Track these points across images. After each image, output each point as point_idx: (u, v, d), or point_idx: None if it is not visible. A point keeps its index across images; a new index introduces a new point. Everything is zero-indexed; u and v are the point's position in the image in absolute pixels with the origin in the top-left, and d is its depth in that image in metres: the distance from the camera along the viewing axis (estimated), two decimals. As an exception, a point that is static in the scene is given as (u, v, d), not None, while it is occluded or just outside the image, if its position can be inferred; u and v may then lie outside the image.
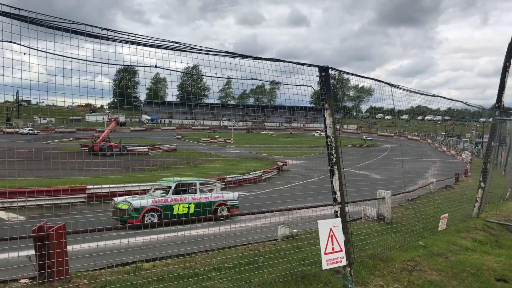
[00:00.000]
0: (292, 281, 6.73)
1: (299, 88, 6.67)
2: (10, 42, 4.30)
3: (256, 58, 6.02)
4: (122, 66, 5.44)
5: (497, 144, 17.21)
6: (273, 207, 10.34)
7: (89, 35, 4.72)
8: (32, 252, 5.86)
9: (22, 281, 6.07)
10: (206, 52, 5.54)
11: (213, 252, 7.80)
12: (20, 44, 4.35)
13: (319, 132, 78.02)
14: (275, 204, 11.47)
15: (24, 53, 4.45)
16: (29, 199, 14.19)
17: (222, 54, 5.75)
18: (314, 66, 6.55)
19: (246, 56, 5.94)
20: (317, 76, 6.59)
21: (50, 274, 5.66)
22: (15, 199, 17.16)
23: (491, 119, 13.98)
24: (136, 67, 5.56)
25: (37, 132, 77.49)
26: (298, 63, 6.50)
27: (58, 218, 6.99)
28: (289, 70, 6.53)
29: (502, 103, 13.48)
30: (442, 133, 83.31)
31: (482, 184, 13.54)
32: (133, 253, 7.34)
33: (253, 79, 6.08)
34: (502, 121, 14.62)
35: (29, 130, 79.21)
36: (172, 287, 6.01)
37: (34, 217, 13.03)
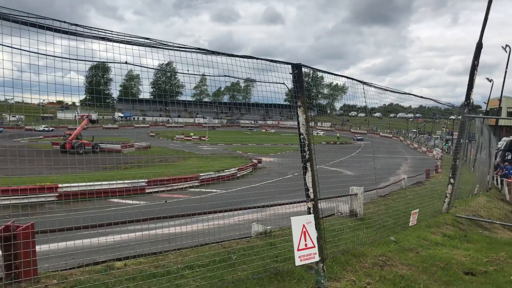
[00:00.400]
0: (266, 277, 6.75)
1: (274, 85, 6.67)
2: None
3: (229, 55, 5.99)
4: (93, 63, 5.35)
5: (466, 141, 17.60)
6: (247, 204, 10.33)
7: (57, 30, 4.59)
8: (-2, 252, 5.71)
9: (-12, 282, 5.91)
10: (178, 48, 5.47)
11: (186, 250, 7.75)
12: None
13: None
14: (249, 201, 11.45)
15: (-11, 48, 4.32)
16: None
17: (195, 51, 5.70)
18: (287, 63, 6.55)
19: (219, 53, 5.90)
20: (290, 73, 6.60)
21: (18, 275, 5.53)
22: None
23: (460, 117, 14.29)
24: (108, 64, 5.47)
25: (52, 129, 76.64)
26: (272, 60, 6.49)
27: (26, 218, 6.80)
28: (263, 68, 6.53)
29: (471, 101, 13.79)
30: (414, 130, 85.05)
31: (451, 180, 13.82)
32: (105, 252, 7.24)
33: (225, 76, 6.05)
34: (471, 119, 14.99)
35: (44, 127, 78.47)
36: (144, 286, 5.95)
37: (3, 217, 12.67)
